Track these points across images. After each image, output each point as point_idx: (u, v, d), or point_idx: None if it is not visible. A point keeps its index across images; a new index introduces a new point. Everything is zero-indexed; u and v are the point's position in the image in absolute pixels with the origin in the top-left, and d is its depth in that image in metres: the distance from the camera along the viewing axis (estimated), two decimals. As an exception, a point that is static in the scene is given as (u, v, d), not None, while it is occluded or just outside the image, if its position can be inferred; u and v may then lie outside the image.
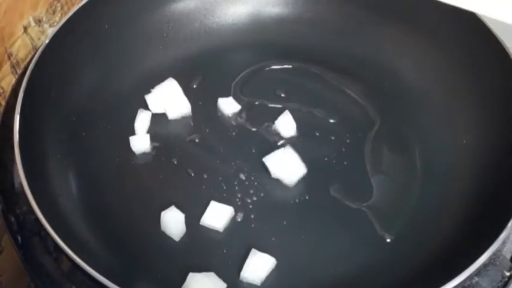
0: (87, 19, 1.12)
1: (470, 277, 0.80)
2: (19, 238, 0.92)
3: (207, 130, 1.14)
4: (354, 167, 1.08)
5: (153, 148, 1.10)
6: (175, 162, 1.09)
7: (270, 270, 0.94)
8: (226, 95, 1.18)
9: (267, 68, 1.24)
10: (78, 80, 1.12)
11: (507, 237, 0.83)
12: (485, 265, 0.82)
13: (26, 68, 1.02)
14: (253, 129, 1.14)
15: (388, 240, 0.98)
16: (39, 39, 1.23)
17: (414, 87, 1.16)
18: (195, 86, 1.21)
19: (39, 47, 1.04)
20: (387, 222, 1.00)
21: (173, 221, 0.99)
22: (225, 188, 1.05)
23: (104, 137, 1.11)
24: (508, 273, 0.86)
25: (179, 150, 1.11)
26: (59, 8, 1.29)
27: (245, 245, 0.98)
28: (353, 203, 1.03)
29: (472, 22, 1.06)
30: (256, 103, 1.19)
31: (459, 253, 0.88)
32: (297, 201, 1.03)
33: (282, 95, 1.19)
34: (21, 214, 0.92)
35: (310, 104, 1.17)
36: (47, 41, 1.04)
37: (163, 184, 1.06)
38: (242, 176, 1.06)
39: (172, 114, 1.15)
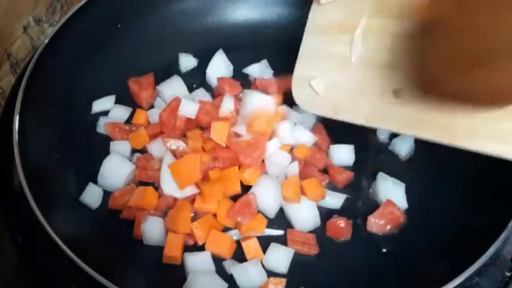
0: (87, 19, 1.12)
1: (470, 277, 0.80)
2: (19, 238, 0.92)
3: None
4: (355, 167, 1.08)
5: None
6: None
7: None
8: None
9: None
10: (78, 80, 1.11)
11: (507, 238, 0.83)
12: (485, 265, 0.82)
13: (25, 68, 1.03)
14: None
15: (388, 237, 0.99)
16: (38, 39, 1.23)
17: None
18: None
19: (39, 46, 1.04)
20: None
21: (154, 230, 0.97)
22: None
23: (104, 136, 1.11)
24: (508, 274, 0.86)
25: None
26: (58, 8, 1.29)
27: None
28: (352, 205, 1.03)
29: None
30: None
31: (459, 253, 0.88)
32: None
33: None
34: (21, 214, 0.92)
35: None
36: (46, 41, 1.04)
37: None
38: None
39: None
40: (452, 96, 0.80)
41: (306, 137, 1.09)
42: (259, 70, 1.23)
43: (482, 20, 0.76)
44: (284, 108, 1.13)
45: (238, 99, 1.13)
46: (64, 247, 0.82)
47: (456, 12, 0.80)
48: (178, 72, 1.21)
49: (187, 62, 1.24)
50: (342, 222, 0.99)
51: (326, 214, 1.01)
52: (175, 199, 1.00)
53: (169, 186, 0.99)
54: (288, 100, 1.12)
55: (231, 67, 1.23)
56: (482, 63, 0.76)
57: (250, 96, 1.09)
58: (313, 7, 0.97)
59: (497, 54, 0.75)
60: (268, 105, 1.09)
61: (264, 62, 1.24)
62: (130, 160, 1.07)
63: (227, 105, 1.09)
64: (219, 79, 1.18)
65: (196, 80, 1.22)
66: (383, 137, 1.12)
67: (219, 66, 1.22)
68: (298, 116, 1.12)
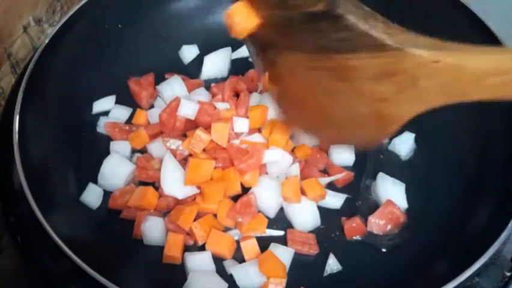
0: (87, 19, 1.11)
1: (470, 277, 0.80)
2: (19, 238, 0.92)
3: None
4: (355, 167, 1.08)
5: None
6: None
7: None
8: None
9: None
10: (78, 80, 1.11)
11: (507, 238, 0.83)
12: (485, 265, 0.82)
13: (25, 68, 1.02)
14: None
15: (389, 238, 0.99)
16: (39, 39, 1.23)
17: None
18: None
19: (39, 46, 1.04)
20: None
21: (154, 230, 0.97)
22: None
23: (103, 137, 1.11)
24: (508, 274, 0.86)
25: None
26: (58, 8, 1.29)
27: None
28: (352, 205, 1.04)
29: (472, 24, 1.06)
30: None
31: (460, 253, 0.88)
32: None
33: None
34: (21, 214, 0.92)
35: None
36: (46, 41, 1.04)
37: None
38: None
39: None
40: None
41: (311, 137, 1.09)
42: None
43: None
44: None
45: (235, 96, 1.15)
46: (64, 247, 0.82)
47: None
48: (178, 71, 1.21)
49: (189, 52, 1.25)
50: (355, 222, 0.99)
51: (326, 214, 1.01)
52: (175, 199, 1.00)
53: (169, 186, 0.99)
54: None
55: (228, 67, 1.24)
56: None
57: (268, 97, 1.10)
58: None
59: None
60: None
61: None
62: (130, 160, 1.07)
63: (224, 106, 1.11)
64: (214, 86, 1.18)
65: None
66: (383, 137, 1.12)
67: (217, 61, 1.23)
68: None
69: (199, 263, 0.94)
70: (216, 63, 1.23)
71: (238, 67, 1.24)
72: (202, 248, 0.96)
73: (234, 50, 1.26)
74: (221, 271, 0.94)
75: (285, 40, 0.78)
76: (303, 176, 1.04)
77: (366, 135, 0.82)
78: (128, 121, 1.14)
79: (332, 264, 0.95)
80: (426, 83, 0.69)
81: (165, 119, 1.07)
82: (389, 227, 0.99)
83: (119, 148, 1.08)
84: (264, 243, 0.97)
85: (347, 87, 0.74)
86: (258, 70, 0.90)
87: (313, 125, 0.88)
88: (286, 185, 1.00)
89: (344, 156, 1.08)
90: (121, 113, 1.14)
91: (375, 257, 0.97)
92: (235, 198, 1.00)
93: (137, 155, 1.08)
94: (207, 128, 1.05)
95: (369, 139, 0.85)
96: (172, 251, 0.94)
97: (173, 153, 1.04)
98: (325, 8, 0.69)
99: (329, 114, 0.82)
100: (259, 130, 1.09)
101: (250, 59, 1.25)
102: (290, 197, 0.99)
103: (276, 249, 0.95)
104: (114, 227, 0.99)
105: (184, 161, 1.03)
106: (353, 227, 0.99)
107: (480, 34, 1.05)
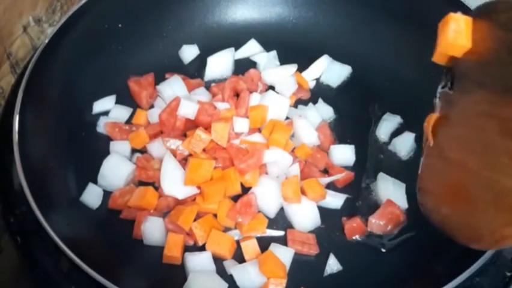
0: (87, 19, 1.11)
1: (470, 277, 0.80)
2: (19, 238, 0.92)
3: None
4: (355, 167, 1.08)
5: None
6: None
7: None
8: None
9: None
10: (78, 80, 1.11)
11: (507, 238, 0.83)
12: (485, 265, 0.81)
13: (25, 68, 1.02)
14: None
15: (389, 238, 0.99)
16: (38, 38, 1.23)
17: (415, 87, 1.16)
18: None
19: (39, 46, 1.04)
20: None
21: (154, 230, 0.97)
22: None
23: (104, 136, 1.11)
24: (508, 274, 0.86)
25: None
26: (58, 8, 1.29)
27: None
28: (352, 205, 1.04)
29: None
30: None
31: (460, 253, 0.88)
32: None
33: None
34: (21, 214, 0.92)
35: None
36: (46, 41, 1.04)
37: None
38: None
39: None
40: None
41: (311, 137, 1.09)
42: (266, 59, 1.24)
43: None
44: (291, 108, 1.15)
45: (235, 96, 1.15)
46: (64, 247, 0.82)
47: None
48: (178, 71, 1.21)
49: (189, 52, 1.25)
50: (356, 222, 0.99)
51: (326, 214, 1.01)
52: (175, 199, 1.00)
53: (169, 186, 0.99)
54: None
55: (232, 68, 1.24)
56: None
57: (268, 97, 1.11)
58: None
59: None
60: (283, 107, 1.11)
61: (273, 53, 1.25)
62: (130, 160, 1.07)
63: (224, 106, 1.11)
64: (214, 86, 1.18)
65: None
66: (383, 136, 1.12)
67: (221, 62, 1.23)
68: (304, 115, 1.13)
69: (199, 263, 0.94)
70: (220, 65, 1.23)
71: (238, 67, 1.24)
72: (202, 248, 0.96)
73: (235, 50, 1.26)
74: (221, 271, 0.94)
75: (479, 73, 0.71)
76: (303, 176, 1.04)
77: (491, 224, 0.69)
78: (128, 121, 1.14)
79: (332, 264, 0.95)
80: None
81: (165, 119, 1.07)
82: (389, 227, 0.99)
83: (119, 148, 1.08)
84: (264, 243, 0.97)
85: (506, 146, 0.65)
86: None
87: (447, 197, 0.78)
88: (286, 185, 1.00)
89: (344, 156, 1.08)
90: (121, 113, 1.14)
91: (375, 257, 0.97)
92: (235, 198, 1.00)
93: (137, 155, 1.08)
94: (207, 128, 1.05)
95: (490, 232, 0.70)
96: (172, 251, 0.94)
97: (173, 153, 1.04)
98: None
99: (468, 181, 0.72)
100: (259, 130, 1.10)
101: (251, 59, 1.25)
102: (290, 197, 0.99)
103: (276, 249, 0.95)
104: (114, 227, 0.99)
105: (184, 161, 1.03)
106: (353, 227, 0.99)
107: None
